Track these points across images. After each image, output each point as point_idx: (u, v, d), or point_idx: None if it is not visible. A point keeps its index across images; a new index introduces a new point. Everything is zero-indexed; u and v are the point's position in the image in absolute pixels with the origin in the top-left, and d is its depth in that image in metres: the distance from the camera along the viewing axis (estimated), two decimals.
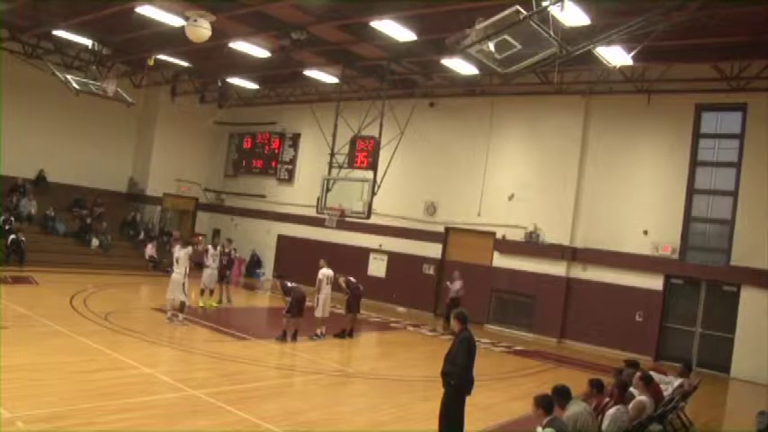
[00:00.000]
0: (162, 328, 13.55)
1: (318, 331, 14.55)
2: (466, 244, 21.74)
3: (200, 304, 16.55)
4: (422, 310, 22.07)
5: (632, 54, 13.15)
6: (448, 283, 19.23)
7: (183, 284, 13.97)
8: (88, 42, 19.75)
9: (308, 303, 14.37)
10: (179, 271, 14.04)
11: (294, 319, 13.83)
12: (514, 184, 20.50)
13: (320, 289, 14.57)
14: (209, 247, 17.73)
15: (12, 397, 7.56)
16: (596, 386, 7.52)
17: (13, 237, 20.12)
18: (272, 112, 27.60)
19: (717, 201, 17.67)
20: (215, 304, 17.19)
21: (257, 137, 28.48)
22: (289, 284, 14.05)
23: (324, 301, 14.59)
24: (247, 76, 23.23)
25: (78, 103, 21.58)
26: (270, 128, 27.90)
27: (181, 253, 14.20)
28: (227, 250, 18.15)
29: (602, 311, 18.46)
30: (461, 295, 18.54)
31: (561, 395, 6.43)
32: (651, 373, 10.07)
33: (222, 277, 17.73)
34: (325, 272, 14.77)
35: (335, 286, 15.53)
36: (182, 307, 14.11)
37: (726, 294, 16.96)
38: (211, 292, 17.26)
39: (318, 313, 14.53)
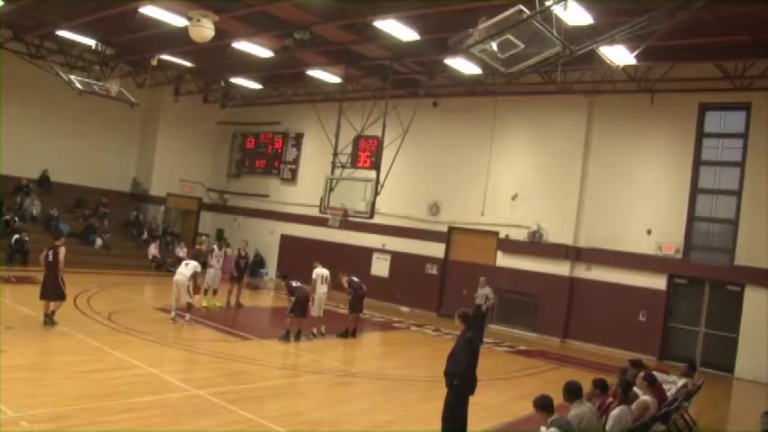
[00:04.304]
0: (166, 328, 13.57)
1: (315, 330, 14.56)
2: (469, 244, 21.73)
3: (204, 304, 16.56)
4: (425, 310, 22.07)
5: (635, 53, 13.10)
6: (480, 288, 17.03)
7: (189, 286, 14.05)
8: (92, 42, 19.78)
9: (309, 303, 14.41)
10: (183, 273, 14.10)
11: (297, 319, 13.85)
12: (518, 184, 20.49)
13: (314, 288, 14.57)
14: (215, 247, 17.77)
15: (16, 396, 7.57)
16: (600, 386, 7.51)
17: (16, 237, 20.18)
18: (276, 112, 27.63)
19: (721, 200, 17.65)
20: (218, 305, 17.19)
21: (260, 137, 28.53)
22: (294, 284, 14.08)
23: (318, 300, 14.60)
24: (250, 75, 23.25)
25: (82, 103, 21.62)
26: (273, 128, 27.94)
27: (192, 262, 14.33)
28: (243, 253, 18.10)
29: (605, 311, 18.43)
30: (491, 304, 17.07)
31: (570, 392, 6.43)
32: (654, 372, 10.06)
33: (240, 278, 17.70)
34: (319, 271, 14.77)
35: (337, 286, 15.55)
36: (188, 307, 14.19)
37: (730, 294, 16.92)
38: (215, 291, 17.27)
39: (314, 312, 14.56)
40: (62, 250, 11.92)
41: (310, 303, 14.42)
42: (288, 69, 21.45)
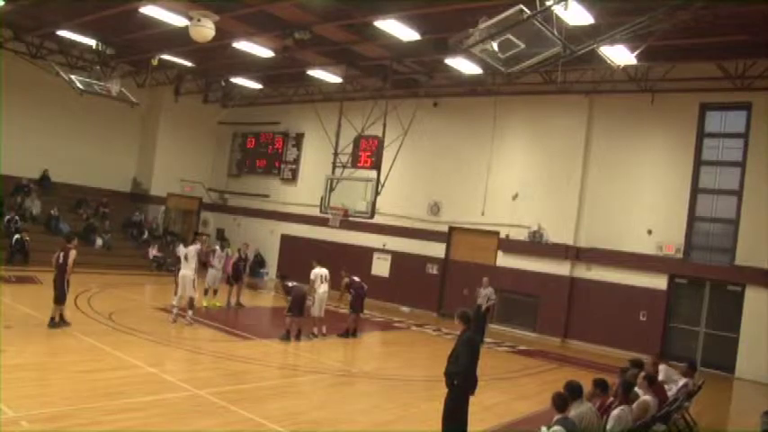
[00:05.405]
0: (166, 328, 13.59)
1: (315, 330, 14.56)
2: (470, 243, 21.73)
3: (204, 304, 16.58)
4: (425, 310, 22.06)
5: (636, 53, 13.13)
6: (479, 288, 17.30)
7: (194, 281, 14.07)
8: (92, 42, 19.82)
9: (307, 303, 14.45)
10: (190, 267, 14.09)
11: (296, 319, 13.86)
12: (518, 184, 20.49)
13: (314, 288, 14.56)
14: (216, 248, 17.75)
15: (16, 396, 7.58)
16: (600, 386, 7.50)
17: (17, 236, 20.19)
18: (276, 112, 27.63)
19: (721, 200, 17.62)
20: (218, 304, 17.21)
21: (261, 137, 28.52)
22: (289, 284, 14.11)
23: (319, 299, 14.60)
24: (251, 75, 23.26)
25: (82, 103, 21.66)
26: (273, 128, 27.94)
27: (190, 250, 14.27)
28: (243, 255, 18.08)
29: (605, 311, 18.43)
30: (491, 304, 17.27)
31: (570, 392, 6.43)
32: (663, 367, 10.10)
33: (237, 279, 17.66)
34: (318, 271, 14.74)
35: (337, 285, 15.53)
36: (191, 303, 14.16)
37: (730, 294, 16.91)
38: (215, 291, 17.31)
39: (315, 312, 14.57)
40: (72, 253, 12.02)
41: (310, 303, 14.44)
42: (288, 69, 21.46)
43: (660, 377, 10.04)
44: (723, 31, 13.40)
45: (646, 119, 18.37)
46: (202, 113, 28.58)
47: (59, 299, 11.88)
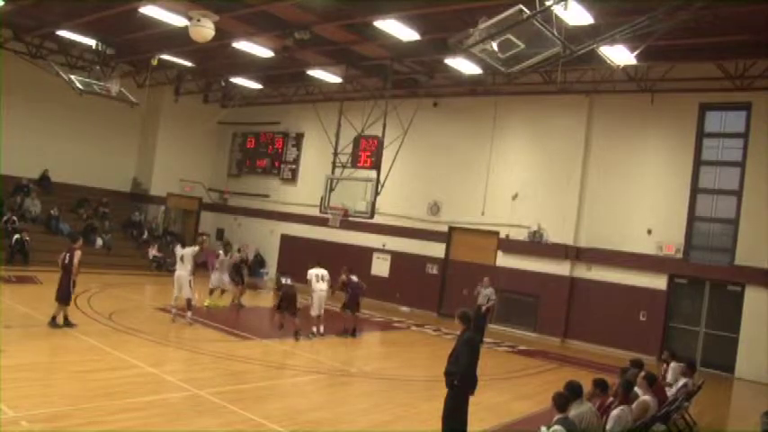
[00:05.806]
0: (166, 328, 13.59)
1: (314, 329, 14.57)
2: (469, 243, 21.72)
3: (206, 303, 16.60)
4: (425, 310, 22.06)
5: (636, 53, 13.12)
6: (480, 288, 17.17)
7: (190, 282, 14.06)
8: (92, 42, 19.82)
9: (306, 303, 14.54)
10: (185, 268, 14.11)
11: (288, 316, 13.97)
12: (518, 184, 20.49)
13: (311, 288, 14.58)
14: (220, 252, 17.69)
15: (16, 396, 7.57)
16: (600, 386, 7.51)
17: (17, 236, 20.20)
18: (276, 112, 27.63)
19: (721, 200, 17.64)
20: (221, 304, 17.20)
21: (261, 136, 28.52)
22: (282, 280, 14.15)
23: (318, 298, 14.60)
24: (251, 75, 23.24)
25: (82, 103, 21.64)
26: (273, 127, 27.94)
27: (186, 251, 14.27)
28: (244, 257, 18.09)
29: (605, 311, 18.43)
30: (492, 305, 17.24)
31: (570, 392, 6.44)
32: (674, 365, 10.11)
33: (242, 279, 17.75)
34: (314, 271, 14.73)
35: (336, 283, 15.59)
36: (189, 304, 14.14)
37: (730, 294, 16.92)
38: (222, 292, 17.36)
39: (314, 312, 14.60)
40: (77, 254, 12.06)
41: (309, 302, 14.46)
42: (288, 69, 21.45)
43: (668, 376, 10.08)
44: (723, 31, 13.40)
45: (646, 119, 18.38)
46: (202, 113, 28.56)
47: (63, 299, 11.88)
